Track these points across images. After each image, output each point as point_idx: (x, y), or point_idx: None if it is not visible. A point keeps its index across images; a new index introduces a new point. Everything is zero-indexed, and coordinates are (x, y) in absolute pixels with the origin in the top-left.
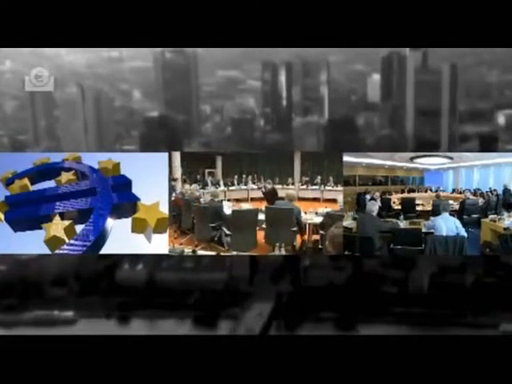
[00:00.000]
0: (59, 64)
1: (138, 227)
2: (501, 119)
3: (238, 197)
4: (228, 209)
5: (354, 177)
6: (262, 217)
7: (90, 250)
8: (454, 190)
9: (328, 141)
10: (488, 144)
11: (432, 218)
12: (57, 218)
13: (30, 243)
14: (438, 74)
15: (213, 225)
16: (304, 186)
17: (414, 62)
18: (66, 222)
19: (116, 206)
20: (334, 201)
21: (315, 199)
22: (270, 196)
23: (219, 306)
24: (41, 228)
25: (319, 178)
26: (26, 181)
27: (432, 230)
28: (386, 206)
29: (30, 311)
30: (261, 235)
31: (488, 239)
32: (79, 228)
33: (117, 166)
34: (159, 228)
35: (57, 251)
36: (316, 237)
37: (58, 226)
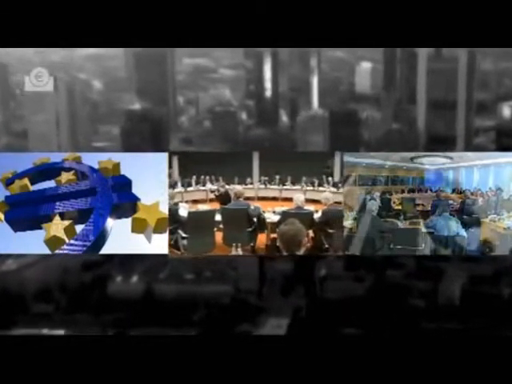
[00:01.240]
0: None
1: (138, 227)
2: None
3: (196, 198)
4: (184, 210)
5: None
6: (220, 218)
7: (90, 249)
8: (454, 190)
9: (321, 138)
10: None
11: (432, 217)
12: (57, 218)
13: (30, 243)
14: (453, 61)
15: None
16: (263, 186)
17: (427, 50)
18: (66, 222)
19: (116, 206)
20: (291, 199)
21: (274, 198)
22: (224, 199)
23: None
24: (41, 228)
25: (278, 177)
26: (26, 181)
27: (432, 230)
28: (386, 205)
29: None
30: (220, 236)
31: (488, 239)
32: (79, 228)
33: (117, 165)
34: (159, 228)
35: (57, 251)
36: (274, 235)
37: (57, 226)
